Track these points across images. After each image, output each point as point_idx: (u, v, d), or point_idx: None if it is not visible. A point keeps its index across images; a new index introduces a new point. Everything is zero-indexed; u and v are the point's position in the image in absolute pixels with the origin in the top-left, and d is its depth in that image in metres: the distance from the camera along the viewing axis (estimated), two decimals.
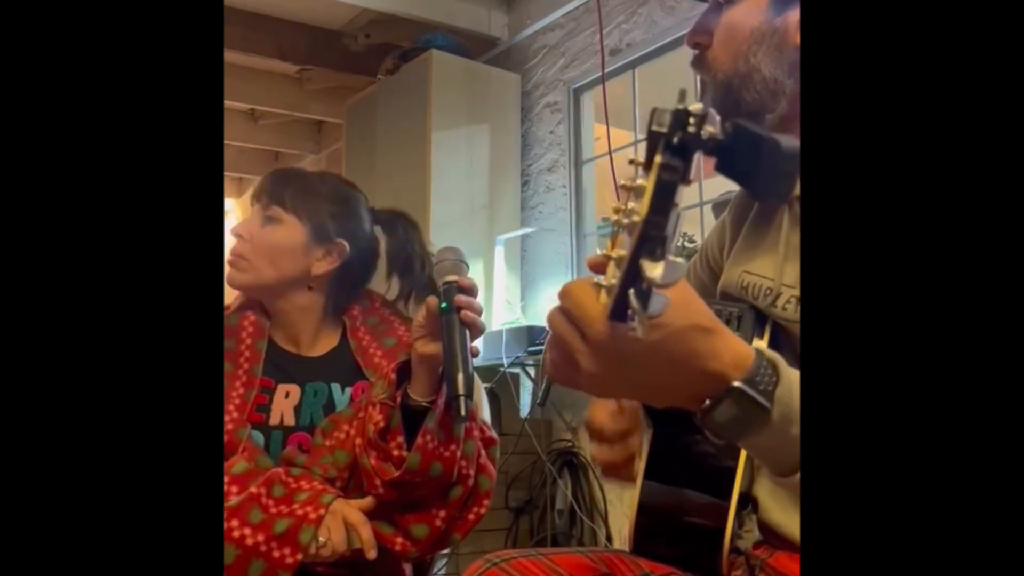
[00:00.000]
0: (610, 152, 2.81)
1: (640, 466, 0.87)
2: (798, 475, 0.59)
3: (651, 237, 0.47)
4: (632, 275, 0.48)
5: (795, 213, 0.85)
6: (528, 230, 3.34)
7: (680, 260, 0.48)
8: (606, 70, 2.94)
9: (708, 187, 2.91)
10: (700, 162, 0.49)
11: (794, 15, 0.81)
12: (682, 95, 0.50)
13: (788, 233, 0.85)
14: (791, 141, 0.52)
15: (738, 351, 0.58)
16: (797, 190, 0.84)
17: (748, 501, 0.83)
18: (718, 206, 2.67)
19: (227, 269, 1.27)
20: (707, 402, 0.58)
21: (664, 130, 0.48)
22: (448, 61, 3.32)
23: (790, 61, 0.81)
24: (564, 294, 0.57)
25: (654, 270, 0.47)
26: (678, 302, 0.55)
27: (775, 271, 0.85)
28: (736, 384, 0.57)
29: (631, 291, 0.49)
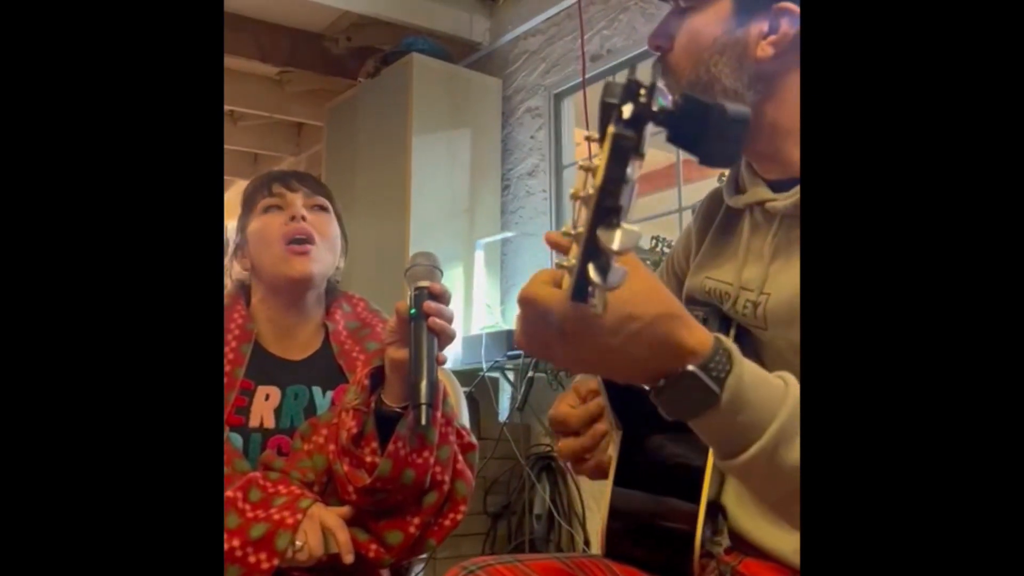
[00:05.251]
0: (591, 157, 2.82)
1: (611, 470, 0.88)
2: (740, 459, 0.62)
3: (606, 207, 0.49)
4: (591, 247, 0.50)
5: (755, 220, 0.87)
6: (508, 234, 3.35)
7: (635, 228, 0.49)
8: (587, 76, 2.95)
9: (687, 193, 2.93)
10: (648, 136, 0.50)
11: (756, 27, 0.81)
12: (632, 69, 0.51)
13: (748, 239, 0.87)
14: (737, 107, 0.54)
15: (699, 337, 0.61)
16: (755, 198, 0.86)
17: (718, 509, 0.84)
18: None
19: (292, 259, 1.24)
20: (662, 381, 0.60)
21: (616, 101, 0.49)
22: (429, 65, 3.32)
23: (750, 73, 0.81)
24: (526, 301, 0.60)
25: (611, 239, 0.48)
26: (646, 290, 0.58)
27: (735, 276, 0.86)
28: (691, 368, 0.59)
29: (591, 265, 0.50)
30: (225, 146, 4.60)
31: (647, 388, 0.62)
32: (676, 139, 0.54)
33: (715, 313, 0.87)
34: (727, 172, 0.96)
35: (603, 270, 0.50)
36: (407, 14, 3.44)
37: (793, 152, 0.82)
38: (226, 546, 1.04)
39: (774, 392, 0.62)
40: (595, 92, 2.97)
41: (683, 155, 2.88)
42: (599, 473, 0.92)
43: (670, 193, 3.04)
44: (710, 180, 2.65)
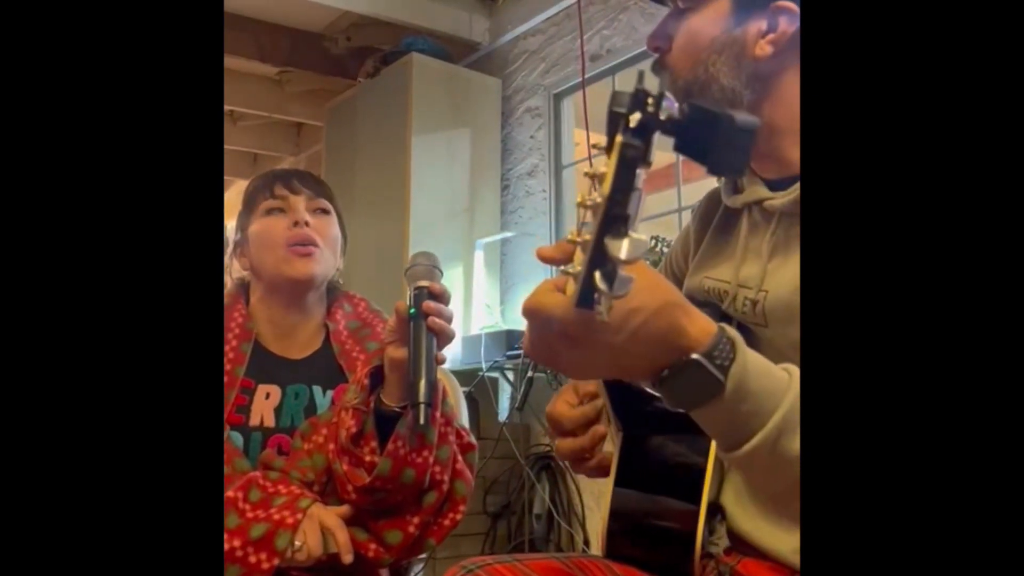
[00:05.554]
0: (590, 157, 2.82)
1: (612, 470, 0.88)
2: (743, 450, 0.61)
3: (614, 216, 0.49)
4: (598, 255, 0.50)
5: (753, 219, 0.87)
6: (508, 234, 3.35)
7: (643, 237, 0.49)
8: (586, 76, 2.95)
9: (687, 193, 2.93)
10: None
11: (755, 26, 0.81)
12: (640, 77, 0.51)
13: (746, 238, 0.87)
14: (745, 116, 0.54)
15: (703, 326, 0.61)
16: (753, 197, 0.86)
17: (717, 510, 0.84)
18: None
19: (294, 259, 1.24)
20: (665, 372, 0.60)
21: (623, 110, 0.49)
22: (429, 65, 3.33)
23: (748, 72, 0.82)
24: (531, 312, 0.59)
25: (618, 248, 0.48)
26: (648, 284, 0.59)
27: (733, 274, 0.87)
28: (695, 357, 0.60)
29: (597, 273, 0.50)
30: (225, 146, 4.60)
31: (650, 386, 0.62)
32: (683, 148, 0.54)
33: (715, 312, 0.87)
34: None
35: (610, 278, 0.50)
36: (407, 14, 3.44)
37: (790, 151, 0.82)
38: (226, 546, 1.04)
39: (777, 382, 0.62)
40: (595, 92, 2.97)
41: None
42: (600, 471, 0.92)
43: (670, 193, 3.04)
44: (710, 180, 2.65)
